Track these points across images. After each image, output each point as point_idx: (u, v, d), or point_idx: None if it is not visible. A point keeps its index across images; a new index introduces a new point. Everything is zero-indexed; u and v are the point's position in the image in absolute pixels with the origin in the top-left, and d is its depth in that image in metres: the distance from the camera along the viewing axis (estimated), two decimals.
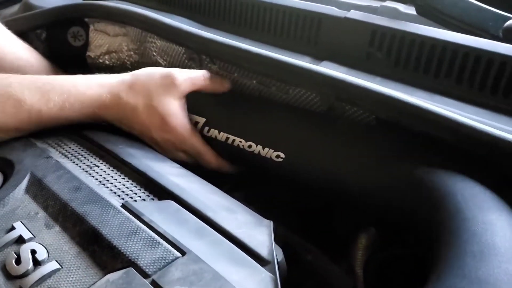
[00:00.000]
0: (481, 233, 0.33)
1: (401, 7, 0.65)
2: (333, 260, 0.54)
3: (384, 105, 0.42)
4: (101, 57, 0.78)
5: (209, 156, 0.58)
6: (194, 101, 0.58)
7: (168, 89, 0.55)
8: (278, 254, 0.40)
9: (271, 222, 0.43)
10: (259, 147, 0.53)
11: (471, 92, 0.45)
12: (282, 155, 0.51)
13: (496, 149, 0.36)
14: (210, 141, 0.58)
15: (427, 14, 0.54)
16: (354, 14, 0.56)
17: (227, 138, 0.55)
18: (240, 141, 0.54)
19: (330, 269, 0.54)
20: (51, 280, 0.36)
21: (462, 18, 0.51)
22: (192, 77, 0.57)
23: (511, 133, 0.38)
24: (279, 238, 0.48)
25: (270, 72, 0.51)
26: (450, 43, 0.46)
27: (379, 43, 0.51)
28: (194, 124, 0.59)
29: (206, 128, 0.58)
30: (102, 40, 0.77)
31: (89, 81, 0.55)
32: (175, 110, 0.55)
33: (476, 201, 0.36)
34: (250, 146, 0.53)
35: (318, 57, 0.56)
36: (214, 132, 0.57)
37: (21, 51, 0.73)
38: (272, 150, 0.51)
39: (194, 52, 0.62)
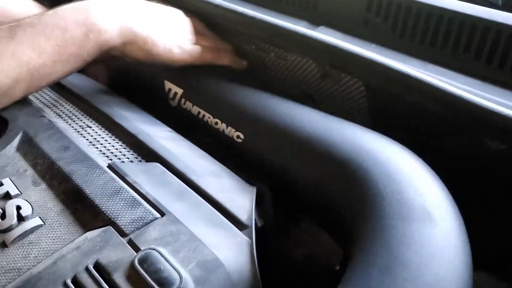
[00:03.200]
0: (394, 245, 0.31)
1: None
2: (325, 229, 0.54)
3: (374, 72, 0.41)
4: None
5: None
6: (176, 72, 0.58)
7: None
8: (259, 220, 0.40)
9: (255, 188, 0.43)
10: (224, 125, 0.52)
11: (466, 62, 0.44)
12: (242, 136, 0.51)
13: (480, 120, 0.35)
14: (185, 113, 0.58)
15: None
16: None
17: (199, 112, 0.55)
18: (209, 117, 0.54)
19: (320, 238, 0.54)
20: (33, 236, 0.36)
21: None
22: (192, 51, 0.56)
23: (502, 104, 0.36)
24: (268, 206, 0.49)
25: (265, 36, 0.51)
26: (447, 11, 0.44)
27: (376, 10, 0.50)
28: (174, 94, 0.59)
29: (183, 100, 0.57)
30: None
31: None
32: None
33: (401, 209, 0.34)
34: (216, 123, 0.53)
35: (315, 22, 0.54)
36: (189, 105, 0.57)
37: (34, 9, 0.73)
38: (234, 130, 0.51)
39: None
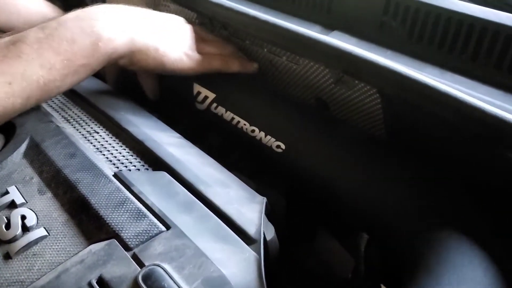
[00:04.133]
0: (464, 264, 0.32)
1: None
2: (338, 237, 0.53)
3: (389, 80, 0.39)
4: None
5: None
6: (208, 75, 0.56)
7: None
8: (268, 232, 0.39)
9: (264, 199, 0.41)
10: (262, 134, 0.51)
11: (487, 70, 0.42)
12: (283, 146, 0.50)
13: (500, 132, 0.33)
14: (216, 119, 0.56)
15: None
16: None
17: (233, 118, 0.54)
18: (245, 124, 0.53)
19: (333, 246, 0.52)
20: (37, 247, 0.36)
21: None
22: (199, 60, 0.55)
23: None
24: (281, 215, 0.47)
25: (277, 40, 0.49)
26: (467, 16, 0.42)
27: (393, 13, 0.48)
28: (204, 98, 0.57)
29: (214, 105, 0.56)
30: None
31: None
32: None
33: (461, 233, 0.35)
34: (253, 131, 0.52)
35: (330, 26, 0.53)
36: (221, 110, 0.55)
37: (46, 9, 0.72)
38: (274, 139, 0.50)
39: (206, 18, 0.60)
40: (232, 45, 0.59)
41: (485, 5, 0.43)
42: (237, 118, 0.54)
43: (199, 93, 0.58)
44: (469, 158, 0.40)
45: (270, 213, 0.42)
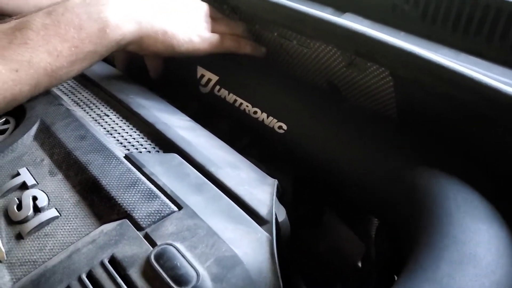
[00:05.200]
0: (464, 241, 0.31)
1: None
2: (348, 223, 0.52)
3: (401, 61, 0.39)
4: None
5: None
6: (212, 58, 0.56)
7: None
8: (280, 214, 0.38)
9: (276, 181, 0.41)
10: (264, 115, 0.51)
11: (502, 51, 0.41)
12: (285, 127, 0.49)
13: None
14: (218, 101, 0.56)
15: None
16: None
17: (235, 101, 0.54)
18: (247, 106, 0.53)
19: (343, 232, 0.52)
20: (49, 227, 0.36)
21: None
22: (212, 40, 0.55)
23: None
24: (289, 198, 0.47)
25: (288, 23, 0.49)
26: None
27: None
28: (207, 81, 0.57)
29: (217, 87, 0.56)
30: None
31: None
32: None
33: (468, 208, 0.34)
34: (255, 112, 0.52)
35: (341, 9, 0.52)
36: (224, 92, 0.55)
37: None
38: (276, 120, 0.50)
39: (216, 1, 0.60)
40: (243, 24, 0.58)
41: None
42: (239, 100, 0.54)
43: (202, 76, 0.58)
44: (483, 140, 0.40)
45: (282, 196, 0.42)
